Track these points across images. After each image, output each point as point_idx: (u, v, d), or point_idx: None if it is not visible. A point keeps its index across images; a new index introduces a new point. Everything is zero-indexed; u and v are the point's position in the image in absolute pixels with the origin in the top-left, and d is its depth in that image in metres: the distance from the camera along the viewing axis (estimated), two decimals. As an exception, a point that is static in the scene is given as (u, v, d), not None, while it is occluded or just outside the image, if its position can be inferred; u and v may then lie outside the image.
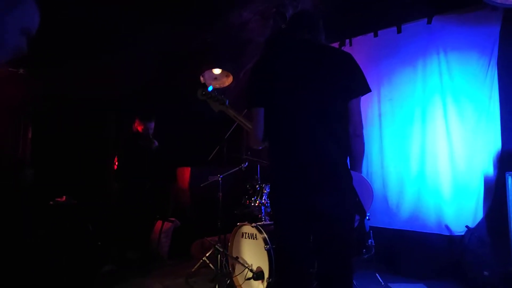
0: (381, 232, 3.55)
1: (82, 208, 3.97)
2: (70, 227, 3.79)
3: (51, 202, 3.84)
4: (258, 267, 3.15)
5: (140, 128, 4.04)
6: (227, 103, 1.96)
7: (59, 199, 3.90)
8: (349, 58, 1.80)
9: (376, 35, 4.01)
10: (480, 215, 3.32)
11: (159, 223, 4.38)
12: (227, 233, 3.59)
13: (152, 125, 4.09)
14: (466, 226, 3.27)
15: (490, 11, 3.24)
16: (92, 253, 3.83)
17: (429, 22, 3.62)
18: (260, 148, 1.89)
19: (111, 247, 3.92)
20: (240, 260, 3.32)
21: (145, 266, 3.90)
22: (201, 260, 3.59)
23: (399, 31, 3.83)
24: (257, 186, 3.60)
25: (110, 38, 4.00)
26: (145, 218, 4.03)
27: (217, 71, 4.40)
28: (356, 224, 1.80)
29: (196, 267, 3.60)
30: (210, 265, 3.54)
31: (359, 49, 4.09)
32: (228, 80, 4.55)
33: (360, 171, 1.86)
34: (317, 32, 1.89)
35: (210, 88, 1.91)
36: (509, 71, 3.27)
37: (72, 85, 4.32)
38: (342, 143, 1.75)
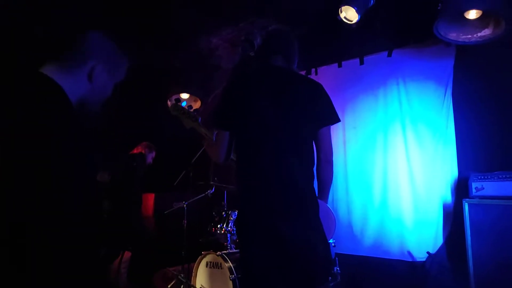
0: (346, 259, 3.56)
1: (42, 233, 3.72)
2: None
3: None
4: (223, 298, 3.04)
5: (143, 151, 3.98)
6: (199, 120, 1.94)
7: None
8: (319, 88, 1.83)
9: (340, 65, 4.18)
10: (440, 241, 3.41)
11: (119, 253, 4.17)
12: (191, 262, 3.46)
13: (154, 155, 4.15)
14: (427, 252, 3.35)
15: (445, 47, 3.47)
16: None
17: (389, 54, 3.81)
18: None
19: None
20: (204, 290, 3.21)
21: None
22: (163, 292, 3.44)
23: (361, 63, 4.01)
24: (223, 212, 3.53)
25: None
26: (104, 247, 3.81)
27: (185, 95, 4.37)
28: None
29: (157, 299, 3.43)
30: (173, 296, 3.39)
31: (324, 78, 4.22)
32: (196, 105, 4.52)
33: (327, 200, 1.87)
34: (289, 58, 1.90)
35: (183, 104, 1.88)
36: (463, 102, 3.48)
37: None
38: (310, 171, 1.76)
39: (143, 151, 4.02)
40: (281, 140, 1.70)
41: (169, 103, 4.39)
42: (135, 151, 4.05)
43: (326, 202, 1.86)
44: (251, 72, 1.89)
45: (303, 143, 1.74)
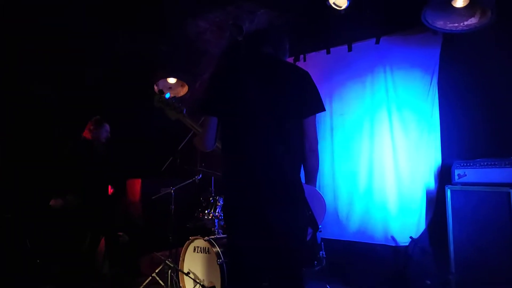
0: (331, 244, 3.63)
1: (19, 222, 3.67)
2: (4, 244, 3.49)
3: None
4: (210, 283, 3.09)
5: (92, 133, 3.77)
6: (184, 111, 1.92)
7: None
8: (307, 76, 1.84)
9: (328, 52, 4.17)
10: (422, 226, 3.50)
11: (105, 238, 4.15)
12: (178, 247, 3.48)
13: (107, 127, 3.86)
14: (410, 237, 3.43)
15: (432, 35, 3.48)
16: (29, 272, 3.55)
17: (377, 42, 3.82)
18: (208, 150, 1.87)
19: (51, 265, 3.65)
20: (191, 275, 3.24)
21: (89, 284, 3.67)
22: (151, 277, 3.45)
23: (349, 50, 4.01)
24: (210, 198, 3.55)
25: (62, 44, 3.81)
26: (90, 232, 3.79)
27: (172, 80, 4.31)
28: (309, 237, 1.82)
29: (145, 284, 3.45)
30: (160, 281, 3.41)
31: (313, 64, 4.22)
32: (183, 90, 4.47)
33: (315, 185, 1.89)
34: (278, 49, 1.91)
35: (167, 95, 1.86)
36: (449, 90, 3.52)
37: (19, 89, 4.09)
38: (296, 157, 1.78)
39: (87, 135, 3.77)
40: (267, 127, 1.71)
41: (155, 88, 4.33)
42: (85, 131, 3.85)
43: (314, 187, 1.89)
44: (240, 59, 1.88)
45: (289, 130, 1.75)
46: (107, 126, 3.87)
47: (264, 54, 1.86)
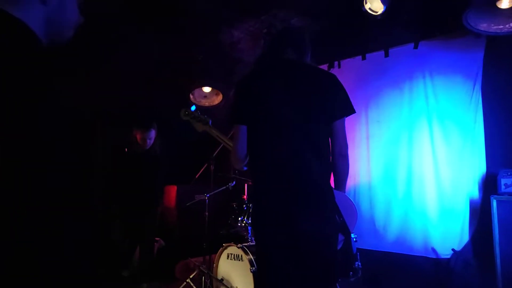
0: (368, 254, 3.52)
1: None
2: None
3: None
4: (243, 290, 3.08)
5: (138, 138, 3.69)
6: (210, 123, 1.95)
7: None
8: (334, 79, 1.80)
9: (364, 58, 4.08)
10: (466, 238, 3.32)
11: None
12: (212, 254, 3.51)
13: (152, 133, 3.71)
14: (452, 249, 3.27)
15: (474, 38, 3.33)
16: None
17: (415, 46, 3.70)
18: (245, 168, 1.86)
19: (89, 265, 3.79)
20: (225, 282, 3.25)
21: None
22: (185, 282, 3.50)
23: (386, 55, 3.91)
24: (244, 205, 3.56)
25: (99, 51, 3.98)
26: (128, 237, 3.91)
27: (207, 89, 4.41)
28: (340, 245, 1.77)
29: (179, 288, 3.50)
30: (194, 287, 3.44)
31: (348, 71, 4.15)
32: (218, 99, 4.55)
33: (344, 191, 1.85)
34: (302, 51, 1.89)
35: (193, 108, 1.90)
36: (493, 96, 3.35)
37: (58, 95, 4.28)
38: (325, 162, 1.74)
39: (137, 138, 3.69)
40: (296, 132, 1.69)
41: (191, 96, 4.43)
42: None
43: (344, 192, 1.84)
44: (264, 67, 1.88)
45: (319, 135, 1.72)
46: (153, 132, 3.69)
47: (287, 61, 1.85)
